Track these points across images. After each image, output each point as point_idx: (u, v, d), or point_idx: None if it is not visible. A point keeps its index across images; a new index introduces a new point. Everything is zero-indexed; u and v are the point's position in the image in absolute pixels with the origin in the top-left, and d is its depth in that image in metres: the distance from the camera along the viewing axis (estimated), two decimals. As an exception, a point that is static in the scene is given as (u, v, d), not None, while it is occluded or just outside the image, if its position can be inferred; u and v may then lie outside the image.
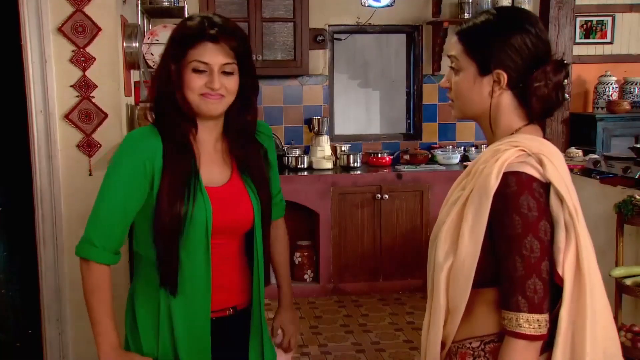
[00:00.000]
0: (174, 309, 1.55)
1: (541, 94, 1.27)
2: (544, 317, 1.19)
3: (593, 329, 1.20)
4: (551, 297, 1.21)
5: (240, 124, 1.63)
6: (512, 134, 1.31)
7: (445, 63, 4.86)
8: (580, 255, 1.20)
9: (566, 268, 1.19)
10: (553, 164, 1.23)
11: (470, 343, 1.29)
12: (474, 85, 1.32)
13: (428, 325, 1.33)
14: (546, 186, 1.22)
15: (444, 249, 1.28)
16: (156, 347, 1.58)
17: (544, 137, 1.33)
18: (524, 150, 1.24)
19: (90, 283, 1.52)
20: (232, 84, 1.54)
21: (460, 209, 1.27)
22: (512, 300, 1.19)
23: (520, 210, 1.19)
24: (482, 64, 1.30)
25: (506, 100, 1.31)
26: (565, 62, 1.30)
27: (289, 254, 1.90)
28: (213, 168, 1.59)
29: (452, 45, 1.36)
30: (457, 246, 1.25)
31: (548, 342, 1.22)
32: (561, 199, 1.21)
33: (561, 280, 1.20)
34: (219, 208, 1.54)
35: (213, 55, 1.50)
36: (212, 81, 1.51)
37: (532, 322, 1.18)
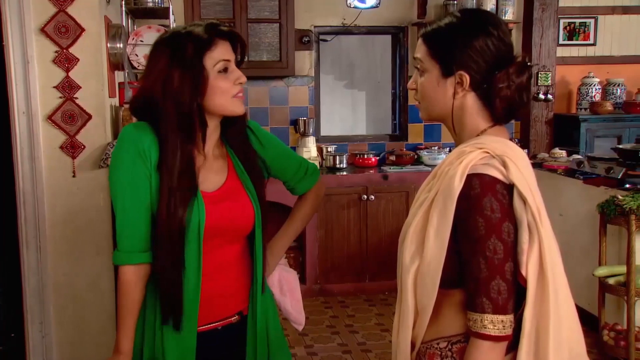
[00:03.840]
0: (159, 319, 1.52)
1: (504, 95, 1.28)
2: (508, 318, 1.20)
3: (557, 329, 1.21)
4: (516, 297, 1.22)
5: (239, 125, 1.61)
6: (478, 135, 1.32)
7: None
8: (543, 257, 1.20)
9: (529, 269, 1.20)
10: (517, 165, 1.24)
11: (438, 344, 1.30)
12: (437, 86, 1.33)
13: (398, 327, 1.34)
14: (510, 188, 1.23)
15: (411, 251, 1.29)
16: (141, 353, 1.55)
17: (511, 138, 1.33)
18: (488, 152, 1.25)
19: (117, 286, 1.51)
20: None
21: (426, 211, 1.28)
22: (476, 302, 1.20)
23: (483, 211, 1.20)
24: (444, 65, 1.31)
25: (470, 101, 1.32)
26: (528, 63, 1.32)
27: (311, 211, 1.93)
28: (209, 173, 1.56)
29: (417, 47, 1.38)
30: (423, 248, 1.26)
31: (513, 342, 1.23)
32: (524, 201, 1.21)
33: (525, 281, 1.21)
34: (212, 210, 1.51)
35: (229, 52, 1.50)
36: (241, 76, 1.50)
37: (496, 323, 1.19)
